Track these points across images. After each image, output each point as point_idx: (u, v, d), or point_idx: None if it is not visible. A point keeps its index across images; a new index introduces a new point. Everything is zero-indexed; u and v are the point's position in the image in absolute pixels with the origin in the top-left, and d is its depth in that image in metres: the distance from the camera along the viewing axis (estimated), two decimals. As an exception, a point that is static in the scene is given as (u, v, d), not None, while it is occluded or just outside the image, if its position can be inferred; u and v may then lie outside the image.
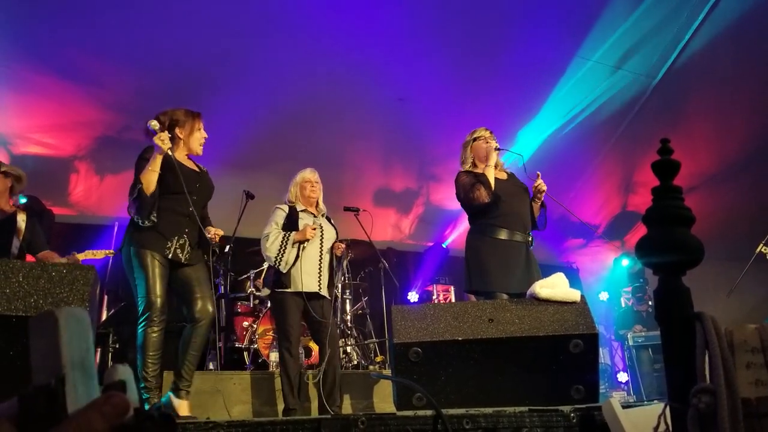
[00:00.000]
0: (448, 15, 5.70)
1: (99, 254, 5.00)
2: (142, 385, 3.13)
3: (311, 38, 5.71)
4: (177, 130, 3.46)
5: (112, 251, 5.08)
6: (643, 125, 7.07)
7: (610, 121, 7.18)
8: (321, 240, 4.12)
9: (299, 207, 4.20)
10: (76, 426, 0.46)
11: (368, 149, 7.33)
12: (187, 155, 3.55)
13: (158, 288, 3.20)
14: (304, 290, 3.94)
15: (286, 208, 4.18)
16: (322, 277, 4.06)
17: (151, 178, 3.18)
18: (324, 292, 4.07)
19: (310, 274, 4.00)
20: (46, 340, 0.49)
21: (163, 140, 3.19)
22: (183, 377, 3.30)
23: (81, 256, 4.92)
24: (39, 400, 0.48)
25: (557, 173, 7.11)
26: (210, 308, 3.37)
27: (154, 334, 3.15)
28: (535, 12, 5.79)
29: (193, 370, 3.37)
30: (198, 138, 3.53)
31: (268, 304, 5.43)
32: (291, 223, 4.09)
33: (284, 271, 3.94)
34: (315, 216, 4.22)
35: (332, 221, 4.39)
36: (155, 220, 3.23)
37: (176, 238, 3.33)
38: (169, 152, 3.24)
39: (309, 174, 4.29)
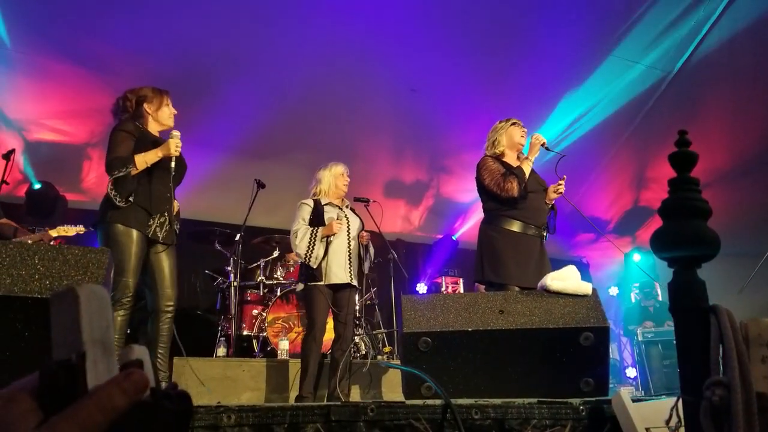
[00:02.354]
0: (462, 4, 5.66)
1: (70, 231, 5.05)
2: None
3: (323, 27, 5.70)
4: (145, 106, 3.50)
5: (83, 228, 5.12)
6: (657, 120, 7.01)
7: (623, 116, 7.12)
8: (348, 231, 4.21)
9: (324, 200, 4.27)
10: (97, 401, 0.46)
11: (379, 140, 7.32)
12: (159, 132, 3.56)
13: (133, 270, 3.17)
14: (335, 282, 4.05)
15: (310, 202, 4.25)
16: (352, 267, 4.15)
17: (142, 167, 3.23)
18: (354, 281, 4.17)
19: (339, 266, 4.09)
20: (67, 316, 0.50)
21: (177, 146, 3.28)
22: (158, 370, 3.30)
23: (53, 233, 4.98)
24: (59, 375, 0.48)
25: (569, 167, 7.06)
26: (174, 298, 3.39)
27: (120, 318, 3.11)
28: (553, 5, 5.73)
29: (166, 362, 3.38)
30: (167, 112, 3.55)
31: (278, 293, 5.47)
32: (317, 217, 4.16)
33: (314, 266, 4.02)
34: (340, 208, 4.29)
35: (356, 212, 4.49)
36: (131, 200, 3.21)
37: (158, 215, 3.33)
38: (173, 160, 3.31)
39: (344, 168, 4.39)
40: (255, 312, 5.56)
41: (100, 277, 1.86)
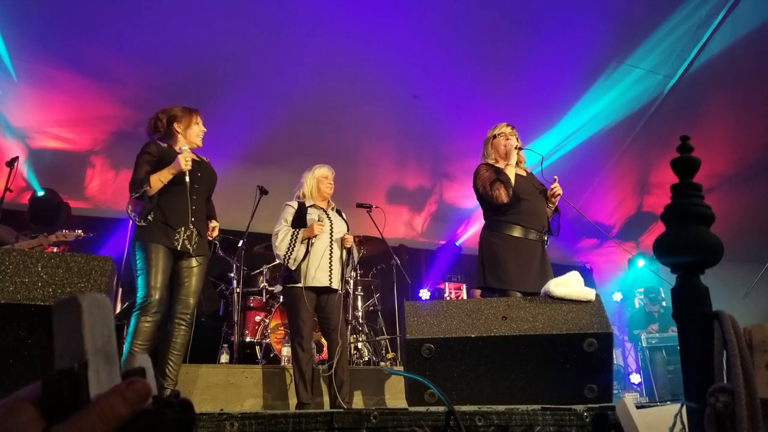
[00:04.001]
0: (465, 11, 5.68)
1: (69, 236, 5.04)
2: None
3: (326, 35, 5.71)
4: (175, 125, 3.59)
5: (81, 232, 5.12)
6: (660, 126, 7.00)
7: (626, 122, 7.12)
8: (330, 234, 4.15)
9: (308, 202, 4.23)
10: (99, 410, 0.46)
11: (382, 146, 7.33)
12: (188, 148, 3.61)
13: (159, 281, 3.26)
14: (314, 285, 3.97)
15: (295, 204, 4.23)
16: (333, 271, 4.07)
17: (157, 186, 3.32)
18: (336, 285, 4.07)
19: (320, 269, 4.02)
20: (69, 325, 0.50)
21: (186, 161, 3.33)
22: (167, 377, 3.34)
23: (53, 238, 4.98)
24: (62, 384, 0.48)
25: (573, 173, 7.07)
26: (192, 307, 3.45)
27: (147, 324, 3.19)
28: (556, 12, 5.74)
29: (177, 369, 3.41)
30: (196, 131, 3.65)
31: (280, 299, 5.46)
32: (300, 219, 4.13)
33: (293, 268, 3.98)
34: (324, 210, 4.24)
35: (343, 215, 4.41)
36: (151, 219, 3.32)
37: (183, 228, 3.40)
38: (186, 174, 3.37)
39: (327, 170, 4.33)
40: (258, 318, 5.56)
41: (103, 285, 1.87)
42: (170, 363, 3.37)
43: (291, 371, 4.48)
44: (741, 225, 6.89)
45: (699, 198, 1.06)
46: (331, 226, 4.17)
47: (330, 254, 4.09)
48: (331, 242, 4.13)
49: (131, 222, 3.43)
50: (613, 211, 8.64)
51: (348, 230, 4.34)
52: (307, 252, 4.02)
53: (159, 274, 3.27)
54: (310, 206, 4.21)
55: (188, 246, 3.40)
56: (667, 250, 1.06)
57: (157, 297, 3.23)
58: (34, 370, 1.67)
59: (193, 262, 3.47)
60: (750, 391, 0.92)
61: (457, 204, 8.24)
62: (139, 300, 3.24)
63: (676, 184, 1.08)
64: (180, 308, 3.42)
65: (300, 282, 3.97)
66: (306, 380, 3.90)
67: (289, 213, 4.18)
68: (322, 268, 4.03)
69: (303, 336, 3.95)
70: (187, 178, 3.39)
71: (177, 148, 3.53)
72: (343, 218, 4.38)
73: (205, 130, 3.71)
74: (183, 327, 3.42)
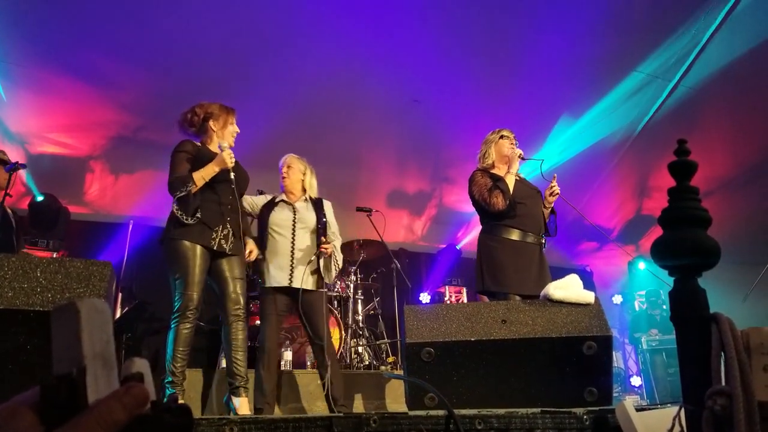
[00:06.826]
0: (465, 15, 5.69)
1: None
2: (169, 379, 3.17)
3: (326, 39, 5.72)
4: (211, 123, 3.56)
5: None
6: (659, 129, 7.01)
7: (626, 125, 7.13)
8: (293, 229, 3.81)
9: (278, 198, 3.97)
10: (97, 415, 0.47)
11: (382, 150, 7.34)
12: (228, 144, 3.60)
13: (197, 284, 3.24)
14: (273, 285, 3.72)
15: (270, 196, 4.07)
16: (294, 269, 3.71)
17: (201, 183, 3.29)
18: (297, 284, 3.65)
19: (280, 268, 3.73)
20: (68, 331, 0.50)
21: (231, 157, 3.33)
22: (236, 375, 3.36)
23: None
24: (60, 389, 0.48)
25: (573, 177, 7.07)
26: (243, 303, 3.44)
27: (186, 330, 3.20)
28: (557, 16, 5.74)
29: (244, 367, 3.41)
30: (231, 131, 3.62)
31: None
32: (266, 211, 3.90)
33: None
34: (291, 204, 3.91)
35: (324, 206, 3.97)
36: (199, 216, 3.29)
37: (220, 227, 3.38)
38: (231, 171, 3.35)
39: (283, 159, 4.12)
40: (257, 323, 5.55)
41: (102, 290, 1.87)
42: (237, 361, 3.37)
43: (290, 375, 4.49)
44: (739, 228, 6.89)
45: (696, 201, 1.06)
46: (294, 219, 3.82)
47: (291, 251, 3.75)
48: (293, 238, 3.78)
49: (130, 226, 3.41)
50: (613, 215, 8.65)
51: (324, 224, 3.85)
52: (264, 247, 3.81)
53: (197, 275, 3.24)
54: (279, 201, 3.94)
55: (224, 246, 3.37)
56: (664, 253, 1.06)
57: (195, 301, 3.22)
58: (33, 375, 1.67)
59: (230, 261, 3.43)
60: (747, 393, 0.92)
61: (457, 208, 8.24)
62: (177, 304, 3.21)
63: (672, 187, 1.08)
64: (231, 306, 3.39)
65: (265, 282, 3.79)
66: (263, 384, 3.64)
67: (261, 199, 4.01)
68: (281, 266, 3.72)
69: (263, 338, 3.75)
70: (232, 175, 3.35)
71: (216, 147, 3.50)
72: (319, 210, 3.91)
73: (239, 131, 3.66)
74: (240, 323, 3.41)
